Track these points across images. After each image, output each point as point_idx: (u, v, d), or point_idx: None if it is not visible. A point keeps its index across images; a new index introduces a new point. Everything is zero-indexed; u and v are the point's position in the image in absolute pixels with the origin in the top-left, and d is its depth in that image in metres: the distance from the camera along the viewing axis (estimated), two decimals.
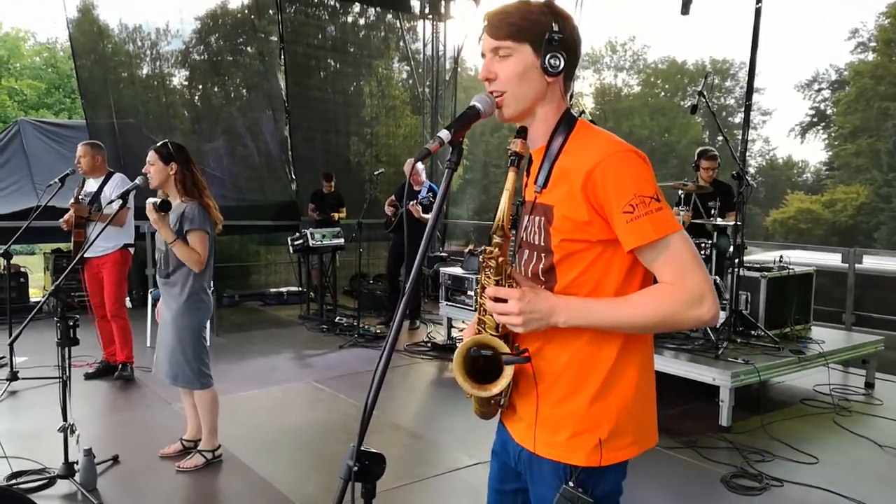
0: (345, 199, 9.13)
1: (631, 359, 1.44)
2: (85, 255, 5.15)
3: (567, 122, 1.47)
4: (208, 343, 3.81)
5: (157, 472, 3.73)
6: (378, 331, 7.17)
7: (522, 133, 1.37)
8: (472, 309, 6.21)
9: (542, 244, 1.43)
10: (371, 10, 11.20)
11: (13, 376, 5.02)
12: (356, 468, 1.27)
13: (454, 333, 6.80)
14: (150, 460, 3.87)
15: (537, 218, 1.46)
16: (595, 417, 1.43)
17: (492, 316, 1.41)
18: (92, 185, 5.34)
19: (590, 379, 1.43)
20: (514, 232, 1.34)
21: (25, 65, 26.89)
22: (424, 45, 11.29)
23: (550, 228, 1.41)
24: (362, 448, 1.28)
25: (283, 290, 9.66)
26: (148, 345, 6.43)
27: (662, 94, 36.68)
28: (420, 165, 7.47)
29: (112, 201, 4.98)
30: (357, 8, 11.15)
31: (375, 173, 8.01)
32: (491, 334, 1.42)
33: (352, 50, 11.17)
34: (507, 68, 1.43)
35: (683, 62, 36.03)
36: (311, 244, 7.78)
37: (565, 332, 1.40)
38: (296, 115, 10.01)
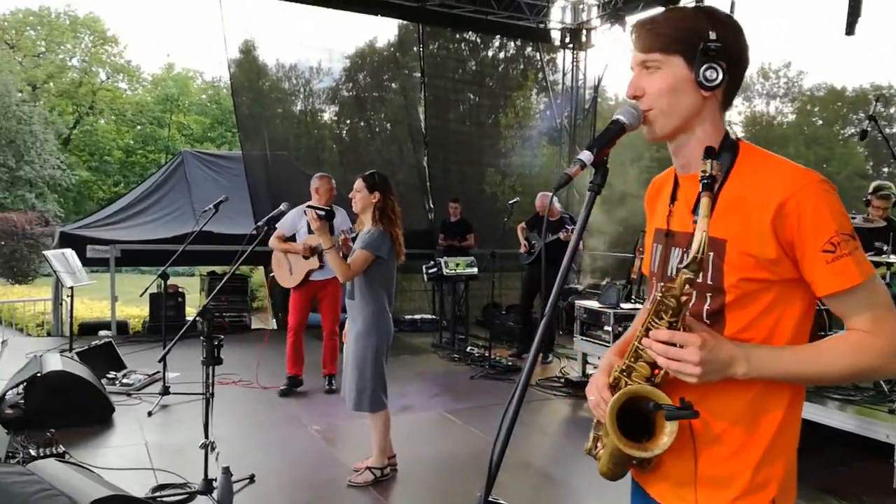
0: (472, 226, 9.07)
1: (796, 411, 1.30)
2: (310, 279, 5.67)
3: (730, 144, 1.30)
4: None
5: (290, 495, 3.79)
6: (510, 363, 7.04)
7: (711, 153, 1.21)
8: (608, 345, 5.94)
9: (711, 283, 1.26)
10: (511, 44, 11.28)
11: (165, 391, 5.36)
12: None
13: (588, 370, 6.53)
14: (283, 481, 3.95)
15: None
16: (764, 476, 1.26)
17: (646, 363, 1.25)
18: None
19: (759, 435, 1.26)
20: (692, 271, 1.15)
21: (193, 101, 29.56)
22: (564, 76, 11.18)
23: (724, 266, 1.24)
24: (490, 499, 1.17)
25: (417, 317, 9.77)
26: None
27: (820, 122, 34.37)
28: (555, 200, 7.32)
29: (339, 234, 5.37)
30: (497, 42, 11.27)
31: (510, 203, 7.94)
32: (643, 384, 1.25)
33: (490, 84, 11.29)
34: (654, 83, 1.28)
35: (843, 88, 33.60)
36: (444, 273, 7.82)
37: (735, 384, 1.23)
38: (434, 146, 10.23)
